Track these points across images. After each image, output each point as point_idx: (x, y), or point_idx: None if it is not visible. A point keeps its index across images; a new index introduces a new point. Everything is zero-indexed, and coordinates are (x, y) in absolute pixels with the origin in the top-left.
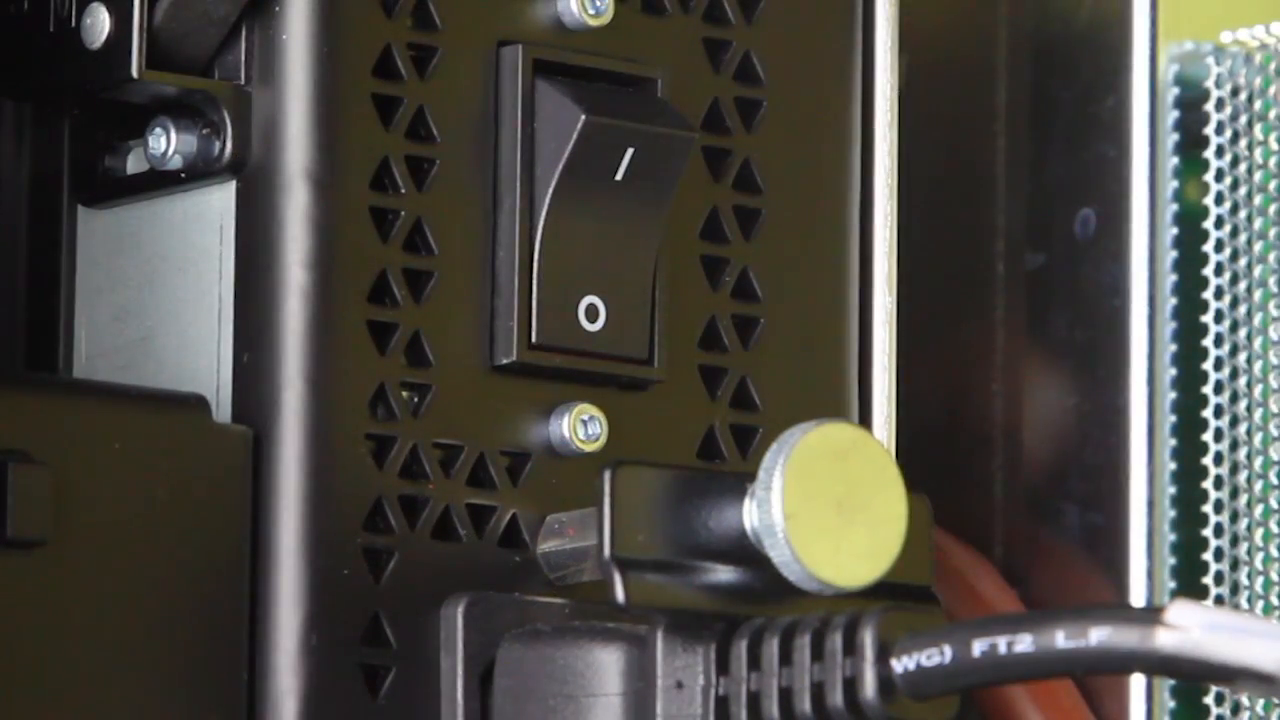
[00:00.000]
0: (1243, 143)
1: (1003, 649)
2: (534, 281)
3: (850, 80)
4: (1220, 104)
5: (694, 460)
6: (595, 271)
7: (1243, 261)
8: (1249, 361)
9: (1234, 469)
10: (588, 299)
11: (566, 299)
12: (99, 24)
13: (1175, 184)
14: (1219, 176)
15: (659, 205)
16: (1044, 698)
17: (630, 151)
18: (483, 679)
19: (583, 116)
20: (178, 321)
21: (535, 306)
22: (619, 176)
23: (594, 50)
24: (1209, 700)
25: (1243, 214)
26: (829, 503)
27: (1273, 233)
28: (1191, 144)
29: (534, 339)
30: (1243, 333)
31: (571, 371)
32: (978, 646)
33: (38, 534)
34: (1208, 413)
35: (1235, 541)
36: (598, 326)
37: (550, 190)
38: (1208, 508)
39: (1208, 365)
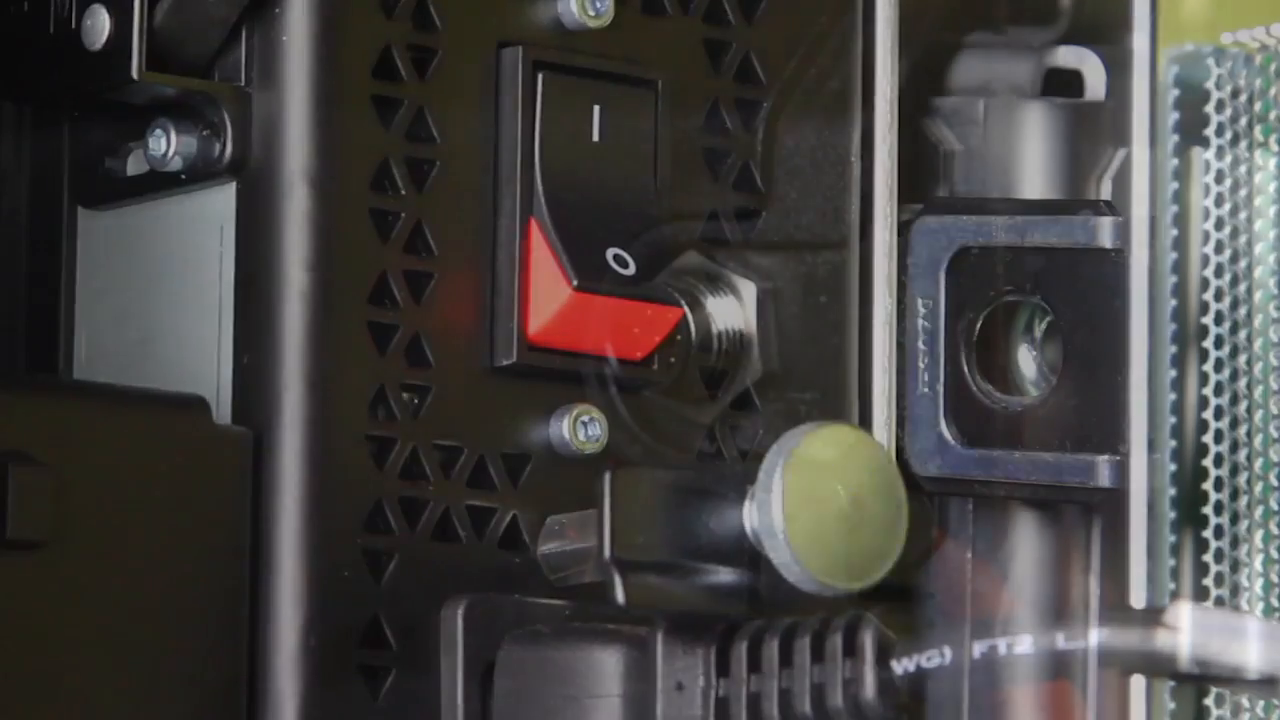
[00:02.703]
0: (1242, 144)
1: (1002, 649)
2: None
3: (850, 80)
4: (1220, 105)
5: (694, 461)
6: (611, 229)
7: (1242, 263)
8: (1249, 362)
9: (1234, 470)
10: (612, 250)
11: (594, 253)
12: (99, 25)
13: (1175, 185)
14: (1219, 178)
15: (646, 156)
16: (1044, 698)
17: (597, 109)
18: (483, 680)
19: (541, 74)
20: (178, 323)
21: (567, 255)
22: (596, 137)
23: (594, 51)
24: (1209, 701)
25: (1242, 215)
26: (829, 504)
27: (1272, 234)
28: (1191, 145)
29: (576, 282)
30: (1242, 334)
31: (571, 372)
32: (978, 647)
33: (38, 534)
34: (1208, 413)
35: (1235, 543)
36: (629, 273)
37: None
38: (1208, 509)
39: (1208, 366)
